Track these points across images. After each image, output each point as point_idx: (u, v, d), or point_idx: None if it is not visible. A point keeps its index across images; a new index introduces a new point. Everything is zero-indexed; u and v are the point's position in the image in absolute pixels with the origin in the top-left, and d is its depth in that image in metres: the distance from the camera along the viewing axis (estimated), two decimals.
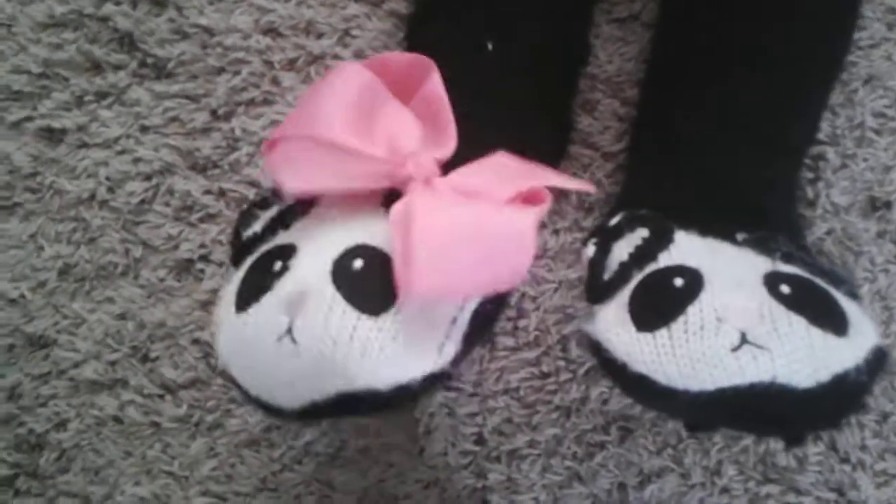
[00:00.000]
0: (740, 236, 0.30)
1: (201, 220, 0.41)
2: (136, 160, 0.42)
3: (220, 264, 0.41)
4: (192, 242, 0.41)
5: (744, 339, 0.25)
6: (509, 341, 0.40)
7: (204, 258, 0.41)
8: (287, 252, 0.28)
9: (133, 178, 0.42)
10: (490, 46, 0.34)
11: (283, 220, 0.30)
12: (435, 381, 0.27)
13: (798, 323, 0.26)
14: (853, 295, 0.29)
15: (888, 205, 0.40)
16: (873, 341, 0.27)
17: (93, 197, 0.42)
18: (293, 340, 0.25)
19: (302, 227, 0.30)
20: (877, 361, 0.26)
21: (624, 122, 0.41)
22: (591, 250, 0.31)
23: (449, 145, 0.30)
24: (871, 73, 0.42)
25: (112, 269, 0.42)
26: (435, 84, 0.30)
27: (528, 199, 0.29)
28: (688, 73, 0.36)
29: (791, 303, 0.26)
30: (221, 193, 0.42)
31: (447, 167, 0.30)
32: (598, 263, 0.31)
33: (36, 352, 0.41)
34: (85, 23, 0.43)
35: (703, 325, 0.26)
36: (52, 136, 0.43)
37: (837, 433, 0.39)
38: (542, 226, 0.41)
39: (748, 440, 0.39)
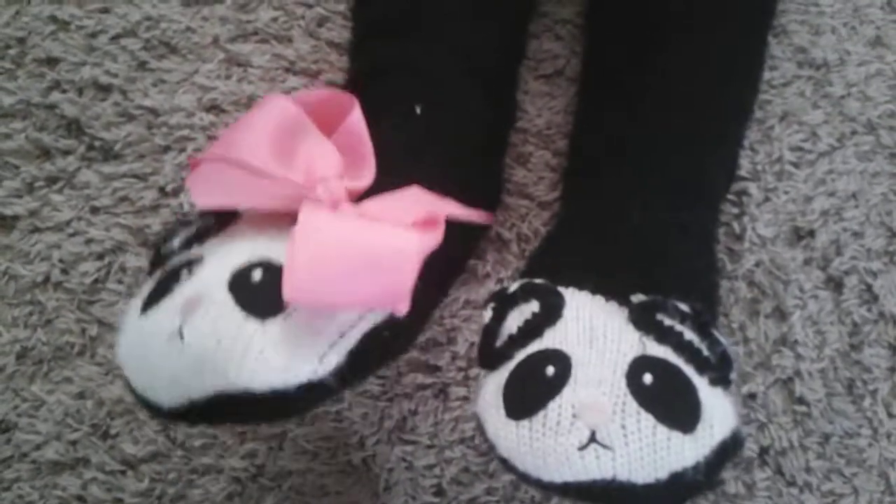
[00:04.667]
0: (635, 298, 0.31)
1: None
2: (88, 241, 0.43)
3: None
4: None
5: (592, 438, 0.27)
6: (461, 391, 0.41)
7: None
8: (194, 263, 0.29)
9: (86, 259, 0.43)
10: (418, 111, 0.36)
11: (198, 237, 0.31)
12: (314, 392, 0.28)
13: (646, 421, 0.27)
14: (722, 381, 0.30)
15: (811, 233, 0.42)
16: (721, 436, 0.28)
17: (47, 280, 0.43)
18: (181, 338, 0.27)
19: (214, 242, 0.31)
20: (720, 455, 0.28)
21: (556, 172, 0.43)
22: (487, 315, 0.32)
23: (367, 176, 0.32)
24: (786, 109, 0.44)
25: (69, 350, 0.42)
26: (356, 118, 0.32)
27: (425, 225, 0.30)
28: (603, 122, 0.38)
29: (647, 397, 0.28)
30: None
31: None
32: (491, 330, 0.32)
33: None
34: (32, 111, 0.45)
35: (560, 422, 0.28)
36: (5, 222, 0.44)
37: (782, 457, 0.40)
38: (486, 276, 0.42)
39: None
